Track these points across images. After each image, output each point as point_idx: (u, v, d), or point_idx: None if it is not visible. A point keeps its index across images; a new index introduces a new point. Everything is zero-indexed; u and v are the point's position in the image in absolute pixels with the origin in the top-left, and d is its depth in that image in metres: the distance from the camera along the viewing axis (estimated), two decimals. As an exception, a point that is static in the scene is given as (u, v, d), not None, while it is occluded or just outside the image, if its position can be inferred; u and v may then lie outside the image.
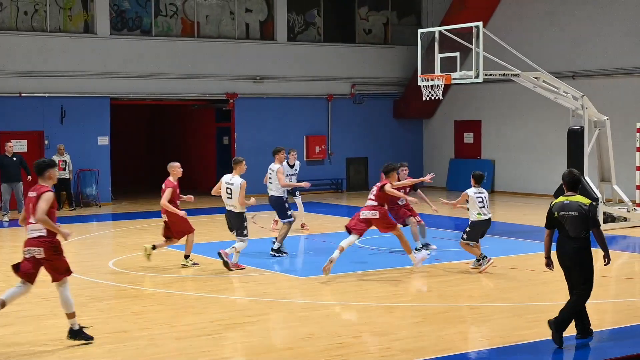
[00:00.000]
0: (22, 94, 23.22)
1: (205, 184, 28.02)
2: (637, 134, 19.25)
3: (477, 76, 17.16)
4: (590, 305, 11.54)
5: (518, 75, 17.92)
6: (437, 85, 17.60)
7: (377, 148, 28.72)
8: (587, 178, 18.25)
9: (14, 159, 20.61)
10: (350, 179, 28.58)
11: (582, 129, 18.28)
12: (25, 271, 9.33)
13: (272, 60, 26.97)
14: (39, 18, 23.77)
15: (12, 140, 21.40)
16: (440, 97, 17.89)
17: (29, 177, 20.50)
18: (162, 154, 31.07)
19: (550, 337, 9.06)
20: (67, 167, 22.83)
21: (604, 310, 11.11)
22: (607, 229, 17.99)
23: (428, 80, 17.70)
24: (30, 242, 9.26)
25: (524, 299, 11.43)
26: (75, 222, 20.42)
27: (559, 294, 12.18)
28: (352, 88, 28.41)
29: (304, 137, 27.51)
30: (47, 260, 9.28)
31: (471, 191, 13.28)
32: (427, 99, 17.88)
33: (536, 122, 25.96)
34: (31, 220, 9.22)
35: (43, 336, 9.60)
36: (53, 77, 23.65)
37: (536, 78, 18.21)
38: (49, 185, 9.30)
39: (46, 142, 23.43)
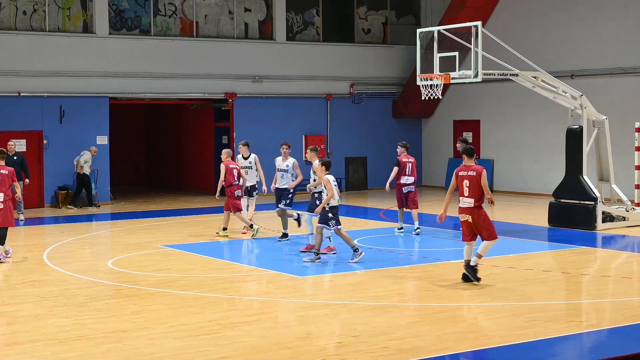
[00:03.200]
0: (21, 94, 23.22)
1: (204, 183, 28.11)
2: (636, 134, 19.26)
3: (476, 76, 17.14)
4: (589, 304, 11.57)
5: (517, 75, 17.91)
6: (436, 85, 17.61)
7: (376, 148, 28.74)
8: (585, 177, 18.26)
9: (15, 157, 20.57)
10: (349, 179, 28.58)
11: (581, 128, 18.28)
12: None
13: (271, 59, 26.98)
14: (38, 18, 23.77)
15: (12, 140, 21.38)
16: (440, 97, 17.90)
17: (27, 180, 20.29)
18: (161, 154, 31.10)
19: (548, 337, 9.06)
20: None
21: (603, 309, 11.13)
22: (605, 228, 18.03)
23: (427, 80, 17.70)
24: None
25: (523, 299, 11.44)
26: (74, 222, 20.44)
27: (556, 294, 12.20)
28: (351, 87, 28.41)
29: (303, 136, 27.52)
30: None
31: (332, 177, 14.27)
32: (426, 98, 17.89)
33: (535, 121, 25.97)
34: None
35: (42, 336, 9.60)
36: (52, 77, 23.65)
37: (535, 77, 18.21)
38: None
39: (45, 141, 23.42)
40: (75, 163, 23.28)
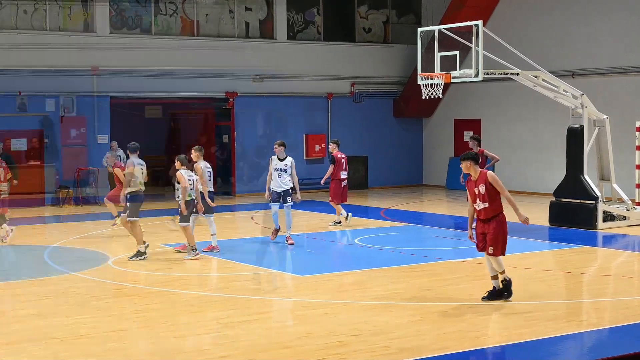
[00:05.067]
0: (21, 93, 23.22)
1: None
2: (637, 133, 19.26)
3: (476, 75, 17.14)
4: (589, 303, 11.57)
5: (518, 74, 17.91)
6: (437, 84, 17.60)
7: (377, 147, 28.73)
8: (586, 177, 18.25)
9: None
10: (350, 178, 28.51)
11: (582, 127, 18.27)
12: None
13: (272, 58, 26.96)
14: (39, 17, 23.78)
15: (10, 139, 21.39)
16: (440, 96, 17.88)
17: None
18: (161, 153, 31.08)
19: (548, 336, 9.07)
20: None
21: (603, 309, 11.13)
22: (606, 227, 18.02)
23: (428, 79, 17.69)
24: None
25: (523, 298, 11.43)
26: (74, 221, 20.45)
27: (556, 293, 12.20)
28: (351, 87, 28.41)
29: (304, 135, 27.52)
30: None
31: (185, 172, 14.61)
32: (427, 97, 17.88)
33: (536, 120, 25.96)
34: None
35: (42, 335, 9.60)
36: (52, 76, 23.65)
37: (536, 77, 18.20)
38: None
39: (46, 140, 23.43)
40: None
